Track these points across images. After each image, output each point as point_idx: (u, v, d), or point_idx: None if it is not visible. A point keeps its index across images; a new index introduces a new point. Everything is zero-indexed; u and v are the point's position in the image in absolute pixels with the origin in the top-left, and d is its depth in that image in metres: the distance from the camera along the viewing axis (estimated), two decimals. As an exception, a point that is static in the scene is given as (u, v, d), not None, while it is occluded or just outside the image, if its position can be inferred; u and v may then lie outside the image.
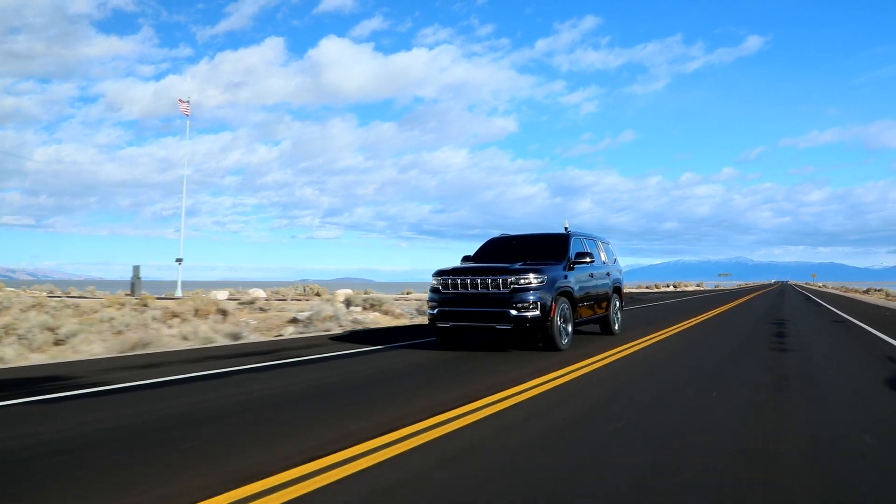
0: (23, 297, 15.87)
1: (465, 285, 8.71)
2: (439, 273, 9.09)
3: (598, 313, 10.59)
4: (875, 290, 50.15)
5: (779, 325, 14.37)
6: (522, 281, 8.42)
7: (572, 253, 9.71)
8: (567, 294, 9.08)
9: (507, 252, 10.27)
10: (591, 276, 10.29)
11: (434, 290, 9.10)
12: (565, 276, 9.15)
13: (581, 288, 9.66)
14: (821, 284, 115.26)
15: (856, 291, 57.18)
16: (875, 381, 6.47)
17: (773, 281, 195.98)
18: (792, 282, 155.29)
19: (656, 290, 68.31)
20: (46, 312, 11.73)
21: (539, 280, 8.48)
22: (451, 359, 8.06)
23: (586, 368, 7.08)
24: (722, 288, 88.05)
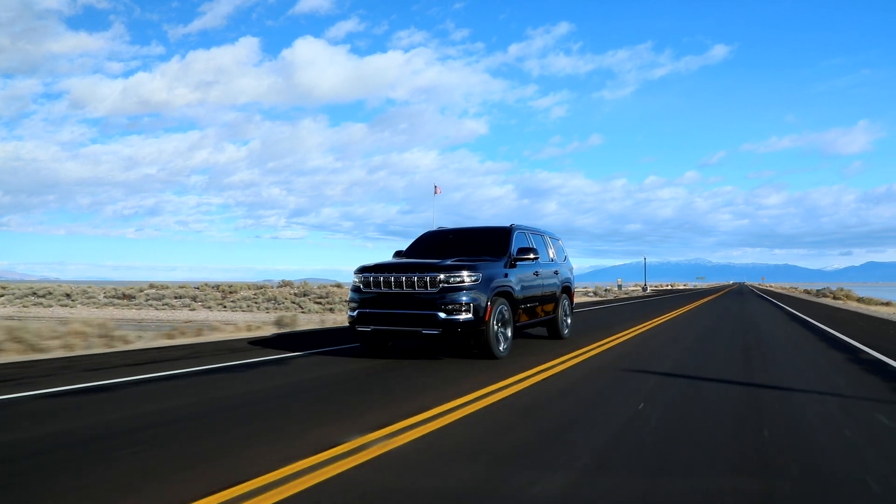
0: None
1: (388, 284, 7.55)
2: (361, 270, 7.91)
3: (543, 316, 9.57)
4: (792, 288, 78.31)
5: (742, 294, 51.98)
6: (454, 279, 7.31)
7: (514, 248, 8.64)
8: (506, 294, 8.02)
9: (443, 247, 9.16)
10: (537, 274, 9.26)
11: (355, 289, 7.93)
12: (505, 275, 8.09)
13: (524, 287, 8.62)
14: (768, 284, 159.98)
15: (783, 288, 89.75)
16: (753, 292, 59.89)
17: (732, 282, 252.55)
18: (747, 283, 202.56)
19: (661, 288, 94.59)
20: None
21: (473, 278, 7.38)
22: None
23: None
24: (700, 287, 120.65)
